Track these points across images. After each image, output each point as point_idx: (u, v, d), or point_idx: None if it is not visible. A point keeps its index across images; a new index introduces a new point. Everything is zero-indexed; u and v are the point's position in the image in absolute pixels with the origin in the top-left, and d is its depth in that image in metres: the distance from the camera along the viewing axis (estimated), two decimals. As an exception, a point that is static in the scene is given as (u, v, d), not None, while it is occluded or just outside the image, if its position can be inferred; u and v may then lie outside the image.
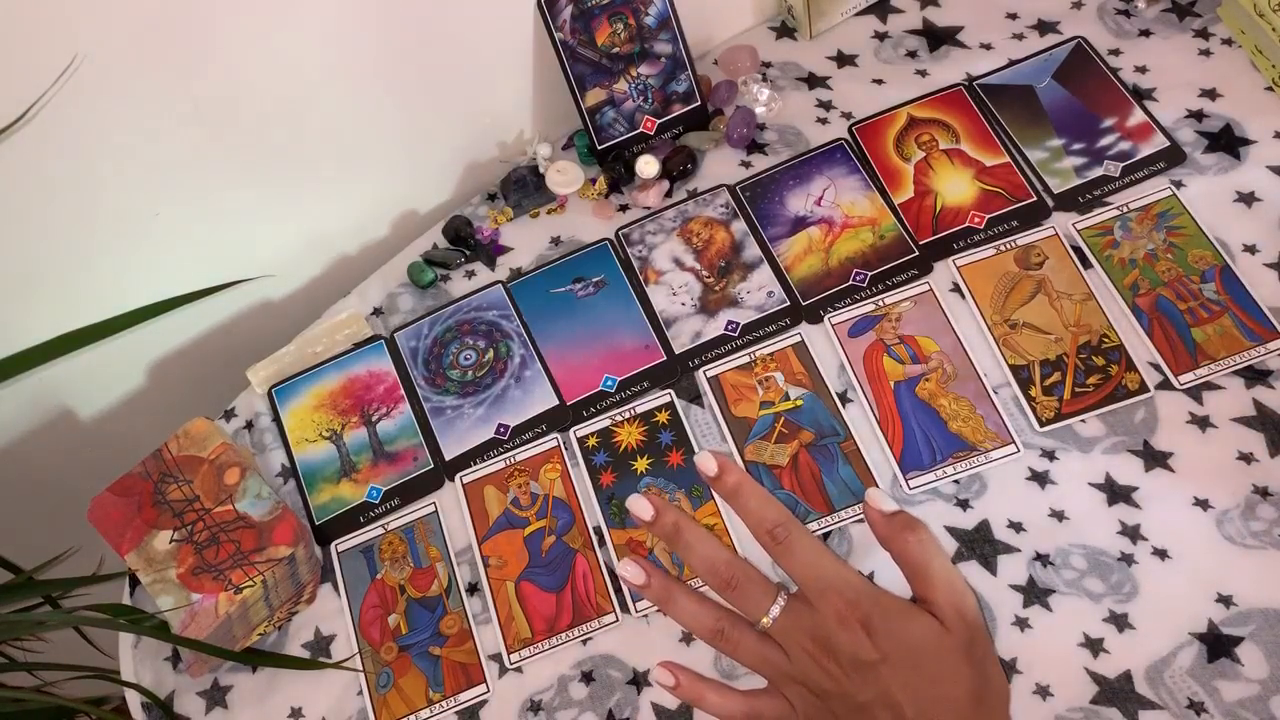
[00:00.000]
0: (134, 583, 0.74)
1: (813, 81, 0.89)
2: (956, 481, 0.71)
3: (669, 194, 0.85)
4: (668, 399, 0.75)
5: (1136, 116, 0.83)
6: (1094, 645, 0.65)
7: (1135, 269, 0.76)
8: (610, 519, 0.72)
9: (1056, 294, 0.76)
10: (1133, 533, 0.68)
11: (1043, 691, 0.64)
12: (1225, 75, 0.84)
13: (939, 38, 0.90)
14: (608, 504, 0.72)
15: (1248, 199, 0.78)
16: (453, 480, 0.75)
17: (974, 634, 0.54)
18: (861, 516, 0.70)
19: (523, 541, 0.72)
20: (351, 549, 0.73)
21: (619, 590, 0.70)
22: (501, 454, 0.75)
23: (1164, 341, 0.73)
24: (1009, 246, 0.78)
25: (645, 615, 0.69)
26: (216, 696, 0.70)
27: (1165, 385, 0.72)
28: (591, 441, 0.74)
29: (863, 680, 0.53)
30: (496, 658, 0.69)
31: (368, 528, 0.74)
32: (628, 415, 0.75)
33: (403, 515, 0.74)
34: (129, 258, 0.77)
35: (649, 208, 0.84)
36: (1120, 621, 0.65)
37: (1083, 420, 0.72)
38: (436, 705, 0.68)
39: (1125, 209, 0.78)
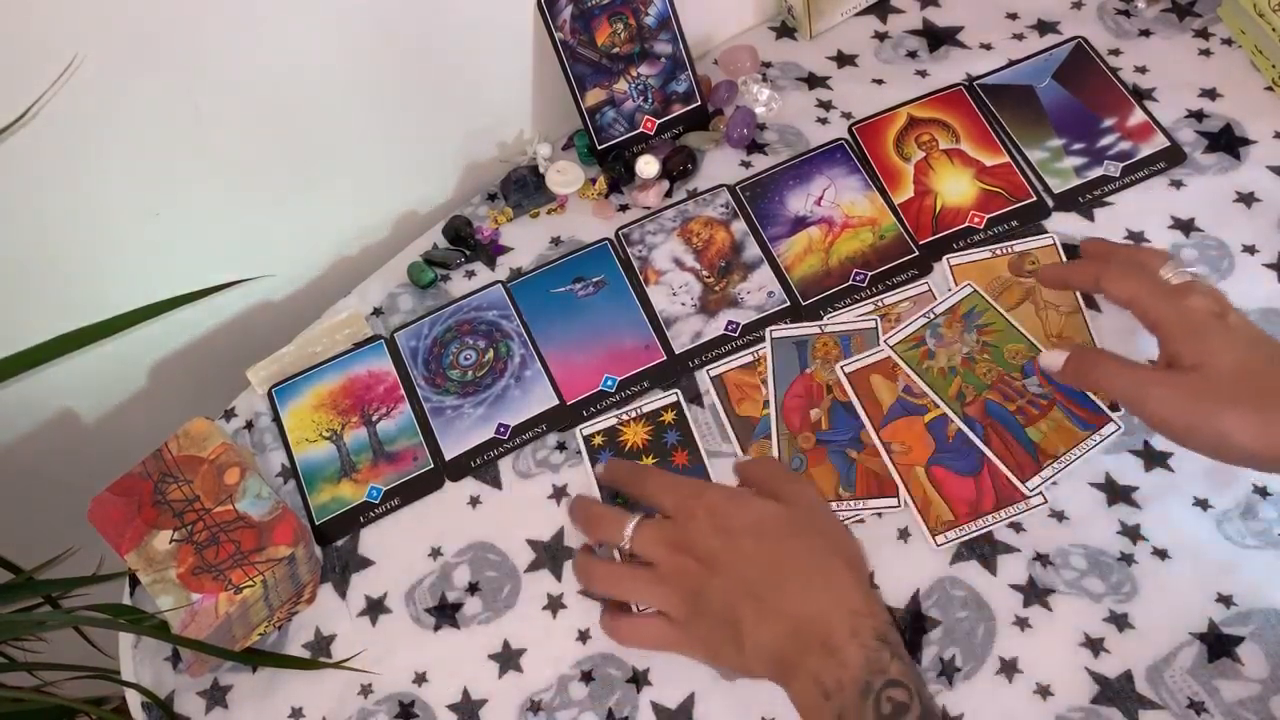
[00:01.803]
0: (134, 583, 0.74)
1: (813, 81, 0.89)
2: (957, 481, 0.71)
3: (669, 194, 0.85)
4: (674, 399, 0.75)
5: (1136, 116, 0.83)
6: (1094, 645, 0.65)
7: (957, 376, 0.72)
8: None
9: (1044, 304, 0.75)
10: (1133, 533, 0.68)
11: (1043, 691, 0.64)
12: (1225, 75, 0.84)
13: (939, 38, 0.90)
14: (613, 500, 0.72)
15: (1247, 199, 0.78)
16: (455, 481, 0.75)
17: (812, 504, 0.62)
18: (861, 516, 0.70)
19: (924, 428, 0.71)
20: (786, 338, 0.75)
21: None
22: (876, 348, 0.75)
23: (1003, 449, 0.70)
24: (1005, 251, 0.78)
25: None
26: (217, 696, 0.70)
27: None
28: (597, 440, 0.74)
29: (717, 565, 0.59)
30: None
31: (805, 324, 0.76)
32: (633, 414, 0.75)
33: (841, 324, 0.75)
34: (129, 257, 0.77)
35: (649, 208, 0.84)
36: (1120, 621, 0.65)
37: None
38: (845, 501, 0.70)
39: (932, 314, 0.75)
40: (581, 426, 0.75)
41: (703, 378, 0.76)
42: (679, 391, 0.76)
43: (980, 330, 0.73)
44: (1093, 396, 0.70)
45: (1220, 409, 0.58)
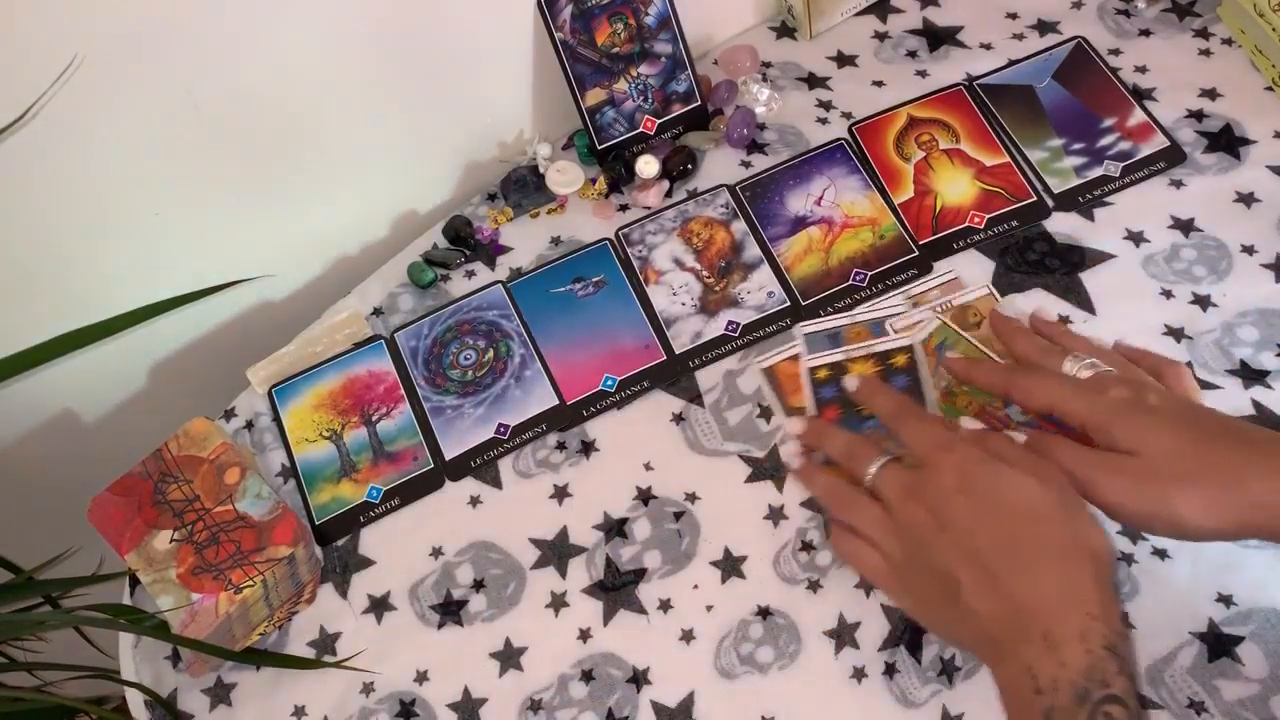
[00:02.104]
0: (134, 583, 0.74)
1: (813, 81, 0.89)
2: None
3: (669, 194, 0.85)
4: (907, 343, 0.71)
5: (1136, 116, 0.83)
6: (1094, 645, 0.65)
7: (938, 411, 0.70)
8: None
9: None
10: (1133, 533, 0.68)
11: (1043, 691, 0.64)
12: (1225, 75, 0.84)
13: (939, 38, 0.90)
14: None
15: (1247, 199, 0.78)
16: (455, 480, 0.75)
17: (1065, 489, 0.57)
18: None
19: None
20: (819, 333, 0.73)
21: None
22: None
23: None
24: (945, 307, 0.74)
25: (646, 614, 0.69)
26: (220, 694, 0.70)
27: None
28: (822, 374, 0.71)
29: (949, 523, 0.57)
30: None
31: (834, 317, 0.74)
32: (864, 353, 0.72)
33: (874, 310, 0.74)
34: (129, 258, 0.77)
35: (649, 208, 0.84)
36: (1121, 621, 0.65)
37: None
38: None
39: None
40: (809, 358, 0.72)
41: (707, 375, 0.76)
42: (915, 347, 0.70)
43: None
44: None
45: (1167, 492, 0.56)
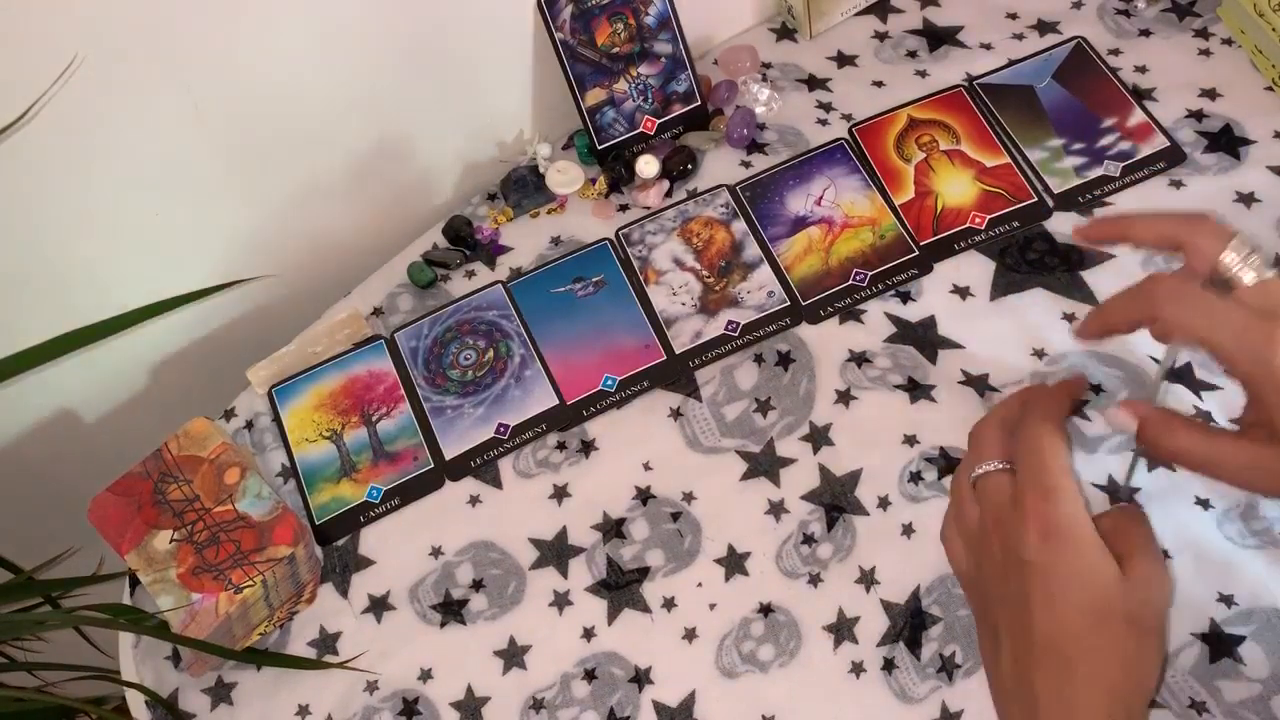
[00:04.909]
0: (134, 583, 0.74)
1: (813, 82, 0.89)
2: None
3: (669, 194, 0.85)
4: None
5: (1136, 116, 0.83)
6: (1095, 644, 0.65)
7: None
8: None
9: None
10: (1133, 532, 0.68)
11: (1044, 690, 0.64)
12: (1225, 75, 0.84)
13: (939, 38, 0.90)
14: None
15: (1247, 199, 0.78)
16: (455, 480, 0.75)
17: (1145, 596, 0.51)
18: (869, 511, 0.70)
19: None
20: None
21: None
22: None
23: None
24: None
25: (650, 612, 0.69)
26: (221, 693, 0.70)
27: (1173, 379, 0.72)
28: None
29: (1010, 575, 0.52)
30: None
31: None
32: None
33: None
34: (129, 258, 0.77)
35: (649, 208, 0.84)
36: None
37: (1088, 419, 0.72)
38: None
39: None
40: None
41: (705, 370, 0.76)
42: None
43: None
44: None
45: None
